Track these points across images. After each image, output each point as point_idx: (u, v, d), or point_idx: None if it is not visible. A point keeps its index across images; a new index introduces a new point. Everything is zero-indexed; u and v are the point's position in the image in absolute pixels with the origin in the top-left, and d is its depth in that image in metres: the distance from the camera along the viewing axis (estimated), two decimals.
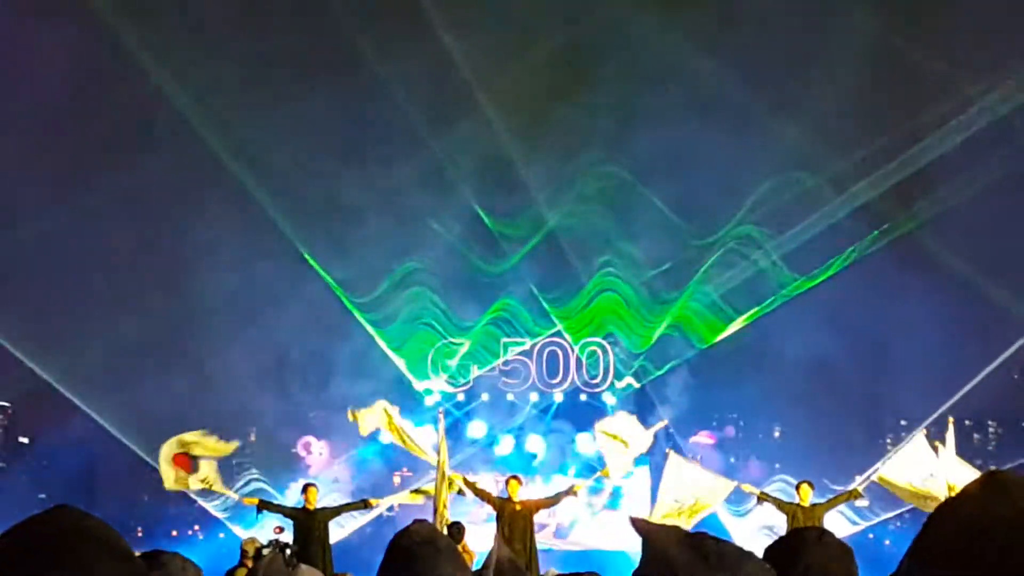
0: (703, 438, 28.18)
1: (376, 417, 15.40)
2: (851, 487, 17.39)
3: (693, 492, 15.06)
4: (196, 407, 25.18)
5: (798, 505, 15.28)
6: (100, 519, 2.23)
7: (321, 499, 15.70)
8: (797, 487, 15.69)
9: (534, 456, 26.80)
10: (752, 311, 26.11)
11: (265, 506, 15.83)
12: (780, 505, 15.54)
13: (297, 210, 25.89)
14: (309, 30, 24.53)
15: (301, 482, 17.58)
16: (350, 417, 15.42)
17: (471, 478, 16.55)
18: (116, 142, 24.35)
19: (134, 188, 24.54)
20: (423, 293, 26.32)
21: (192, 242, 25.17)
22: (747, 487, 16.39)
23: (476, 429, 26.82)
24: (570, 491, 16.15)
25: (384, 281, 26.25)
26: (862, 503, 21.35)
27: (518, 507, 14.97)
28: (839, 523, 18.24)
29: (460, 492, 15.13)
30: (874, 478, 15.68)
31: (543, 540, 22.64)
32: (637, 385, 26.81)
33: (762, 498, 15.82)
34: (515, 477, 15.66)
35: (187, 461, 15.04)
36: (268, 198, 25.46)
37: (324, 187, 25.80)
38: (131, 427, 25.78)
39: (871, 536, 20.09)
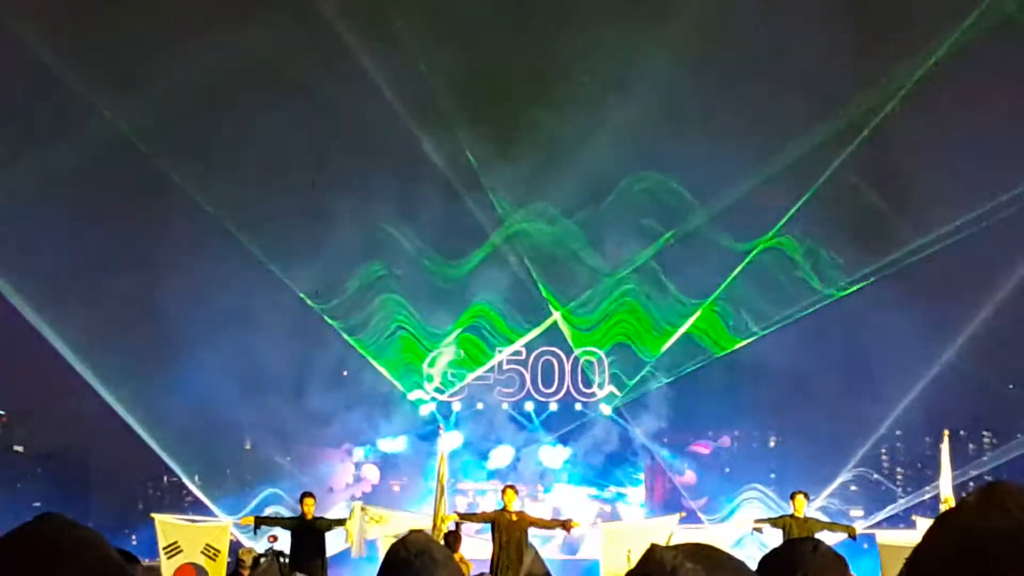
0: (699, 448, 28.15)
1: (356, 523, 15.55)
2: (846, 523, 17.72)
3: (645, 539, 15.13)
4: (190, 418, 25.18)
5: (792, 516, 15.34)
6: (91, 528, 2.21)
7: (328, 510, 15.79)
8: (792, 497, 15.76)
9: (536, 465, 26.69)
10: (780, 321, 25.96)
11: (262, 522, 15.96)
12: (774, 523, 15.68)
13: (262, 219, 25.65)
14: (273, 40, 24.29)
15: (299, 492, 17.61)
16: (350, 544, 15.60)
17: (465, 484, 16.60)
18: (74, 157, 24.09)
19: (97, 200, 24.52)
20: (392, 299, 26.13)
21: (164, 258, 25.16)
22: (738, 526, 16.53)
23: (470, 438, 26.68)
24: (566, 525, 16.10)
25: (350, 286, 26.01)
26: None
27: (514, 517, 14.97)
28: None
29: (458, 524, 15.13)
30: (877, 540, 16.07)
31: (550, 555, 22.63)
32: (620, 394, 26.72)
33: (757, 528, 15.97)
34: (511, 487, 15.68)
35: (191, 570, 15.42)
36: (233, 211, 25.22)
37: (288, 194, 25.69)
38: (127, 437, 25.71)
39: (865, 546, 20.08)
